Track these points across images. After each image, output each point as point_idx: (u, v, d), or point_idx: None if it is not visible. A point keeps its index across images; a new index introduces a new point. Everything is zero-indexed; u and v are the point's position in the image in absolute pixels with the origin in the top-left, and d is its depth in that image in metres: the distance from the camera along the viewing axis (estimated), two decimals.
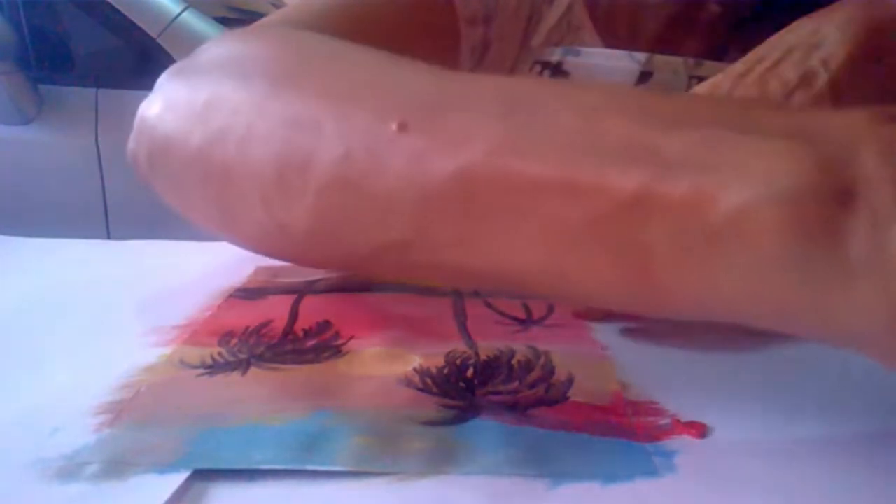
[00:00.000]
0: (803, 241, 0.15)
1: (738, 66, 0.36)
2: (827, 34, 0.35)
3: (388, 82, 0.22)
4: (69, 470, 0.18)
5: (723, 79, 0.35)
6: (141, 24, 1.72)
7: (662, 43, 0.55)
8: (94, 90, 1.72)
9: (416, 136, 0.19)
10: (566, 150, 0.18)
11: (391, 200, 0.20)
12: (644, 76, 0.52)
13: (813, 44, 0.35)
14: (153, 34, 1.71)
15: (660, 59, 0.52)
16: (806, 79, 0.33)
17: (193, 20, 1.75)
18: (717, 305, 0.17)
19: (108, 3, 1.73)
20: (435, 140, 0.19)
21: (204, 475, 0.18)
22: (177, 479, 0.18)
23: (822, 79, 0.33)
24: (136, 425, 0.21)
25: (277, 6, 2.24)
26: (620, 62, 0.51)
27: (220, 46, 0.29)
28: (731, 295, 0.17)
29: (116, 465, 0.19)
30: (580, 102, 0.19)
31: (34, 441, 0.20)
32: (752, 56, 0.36)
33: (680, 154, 0.17)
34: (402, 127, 0.20)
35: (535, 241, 0.18)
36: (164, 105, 0.27)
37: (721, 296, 0.17)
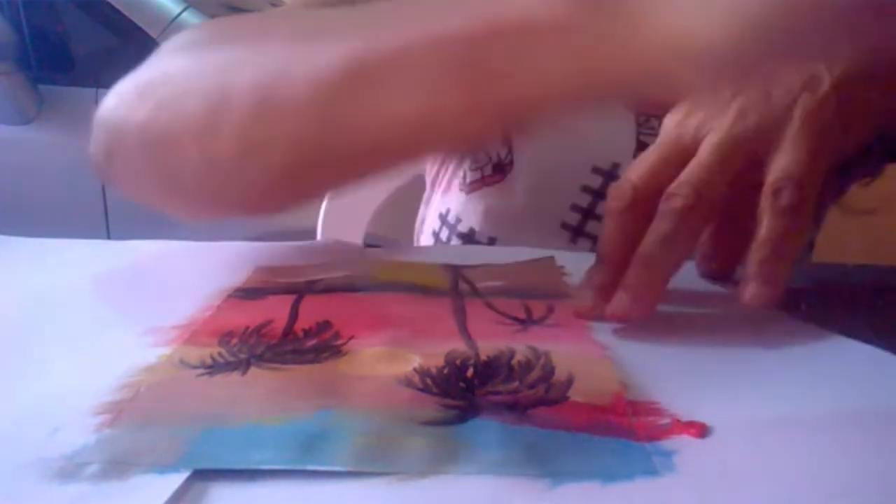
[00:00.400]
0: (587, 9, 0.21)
1: None
2: None
3: (293, 29, 0.28)
4: (69, 470, 0.18)
5: None
6: (141, 24, 1.72)
7: None
8: (94, 90, 1.72)
9: (305, 56, 0.25)
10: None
11: (298, 106, 0.25)
12: None
13: None
14: (153, 34, 1.71)
15: None
16: (810, 84, 0.33)
17: (193, 20, 1.75)
18: (535, 93, 0.23)
19: (108, 3, 1.73)
20: (317, 57, 0.25)
21: (204, 475, 0.18)
22: (177, 479, 0.18)
23: (826, 83, 0.33)
24: (136, 425, 0.21)
25: (276, 5, 2.24)
26: None
27: (167, 44, 0.33)
28: (549, 80, 0.23)
29: (116, 466, 0.19)
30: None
31: (34, 441, 0.20)
32: None
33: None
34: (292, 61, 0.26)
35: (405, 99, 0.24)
36: (114, 99, 0.31)
37: (541, 84, 0.23)
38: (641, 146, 0.52)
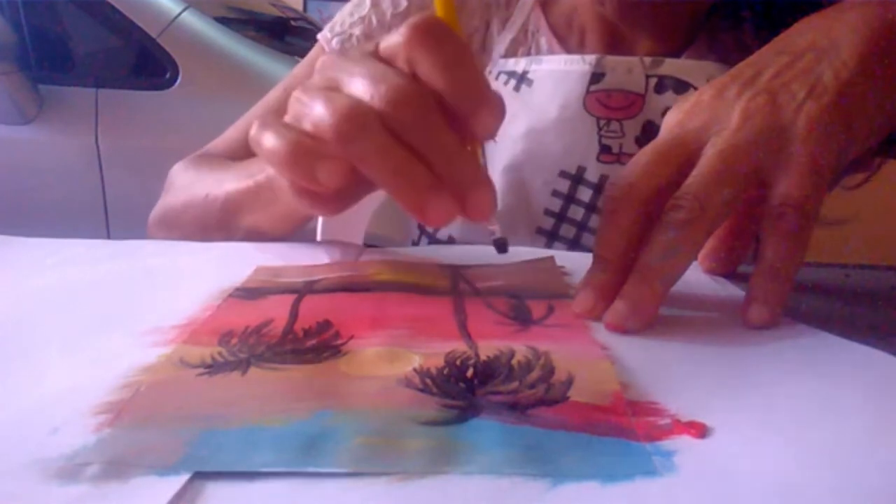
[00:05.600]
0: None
1: (746, 69, 0.35)
2: (839, 36, 0.35)
3: (219, 175, 0.49)
4: (69, 470, 0.18)
5: (729, 82, 0.35)
6: (141, 25, 1.72)
7: (616, 44, 0.56)
8: (94, 90, 1.72)
9: (233, 191, 0.46)
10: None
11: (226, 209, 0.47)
12: (596, 77, 0.53)
13: (824, 47, 0.34)
14: (153, 34, 1.70)
15: (611, 59, 0.53)
16: (814, 91, 0.33)
17: (193, 20, 1.75)
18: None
19: (108, 3, 1.73)
20: (229, 188, 0.46)
21: (204, 475, 0.18)
22: (177, 480, 0.18)
23: (831, 90, 0.33)
24: (136, 425, 0.21)
25: (276, 6, 2.24)
26: (574, 66, 0.54)
27: (175, 170, 0.60)
28: (272, 214, 0.43)
29: (116, 466, 0.19)
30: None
31: (34, 441, 0.20)
32: (759, 58, 0.36)
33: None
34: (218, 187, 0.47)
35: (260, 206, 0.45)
36: (157, 212, 0.58)
37: (269, 213, 0.43)
38: (604, 149, 0.53)
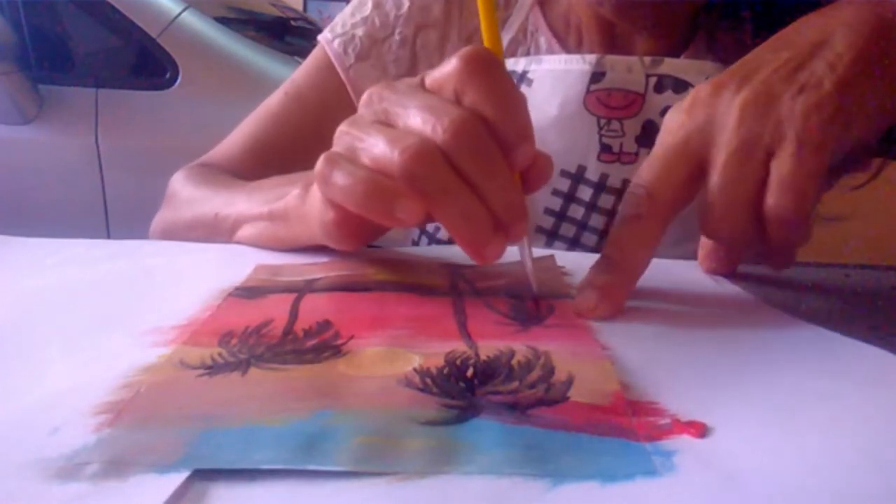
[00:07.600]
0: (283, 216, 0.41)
1: (743, 66, 0.35)
2: (834, 33, 0.35)
3: (228, 195, 0.49)
4: (69, 470, 0.18)
5: (727, 79, 0.35)
6: (141, 25, 1.72)
7: (614, 44, 0.56)
8: (94, 90, 1.72)
9: (229, 209, 0.46)
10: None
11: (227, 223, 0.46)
12: (596, 76, 0.53)
13: (819, 43, 0.35)
14: (153, 34, 1.71)
15: (611, 59, 0.53)
16: (811, 83, 0.33)
17: (193, 20, 1.75)
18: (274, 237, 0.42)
19: (108, 3, 1.73)
20: (228, 210, 0.46)
21: (204, 475, 0.18)
22: (177, 479, 0.18)
23: (829, 82, 0.33)
24: (135, 425, 0.21)
25: (276, 6, 2.24)
26: (574, 65, 0.54)
27: (178, 180, 0.58)
28: (279, 238, 0.42)
29: (116, 465, 0.19)
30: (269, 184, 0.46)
31: (34, 441, 0.20)
32: (756, 55, 0.36)
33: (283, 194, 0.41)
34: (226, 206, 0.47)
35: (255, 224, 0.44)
36: (159, 215, 0.57)
37: (276, 237, 0.42)
38: (605, 148, 0.53)
